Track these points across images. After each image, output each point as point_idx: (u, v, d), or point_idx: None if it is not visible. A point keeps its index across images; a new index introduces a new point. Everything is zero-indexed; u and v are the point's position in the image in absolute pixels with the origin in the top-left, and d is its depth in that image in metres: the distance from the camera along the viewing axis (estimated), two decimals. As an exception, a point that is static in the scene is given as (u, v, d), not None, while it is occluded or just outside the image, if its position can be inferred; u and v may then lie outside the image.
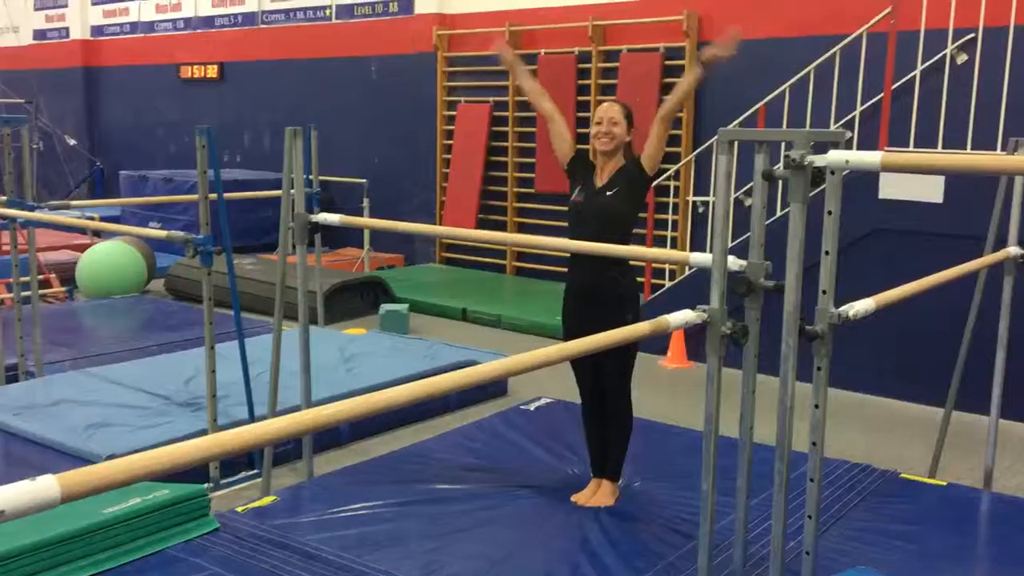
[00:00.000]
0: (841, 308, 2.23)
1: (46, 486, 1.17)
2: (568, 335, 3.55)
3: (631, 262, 3.57)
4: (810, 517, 2.32)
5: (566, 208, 3.62)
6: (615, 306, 3.46)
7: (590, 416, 3.71)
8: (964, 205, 5.03)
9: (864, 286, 2.64)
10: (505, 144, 9.03)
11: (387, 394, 1.61)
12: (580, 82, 8.42)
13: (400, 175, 9.82)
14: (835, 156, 2.11)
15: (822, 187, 2.17)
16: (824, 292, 2.20)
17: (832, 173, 2.14)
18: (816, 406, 2.27)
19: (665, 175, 7.62)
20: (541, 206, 8.59)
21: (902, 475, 3.92)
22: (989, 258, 3.49)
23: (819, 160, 2.11)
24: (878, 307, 2.38)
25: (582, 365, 3.68)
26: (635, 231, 3.61)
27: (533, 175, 8.78)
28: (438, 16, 9.39)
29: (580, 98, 8.41)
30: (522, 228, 8.90)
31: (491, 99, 9.08)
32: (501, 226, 9.08)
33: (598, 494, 3.63)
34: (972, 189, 4.94)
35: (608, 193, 3.48)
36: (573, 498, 3.63)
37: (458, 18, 9.38)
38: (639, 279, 3.77)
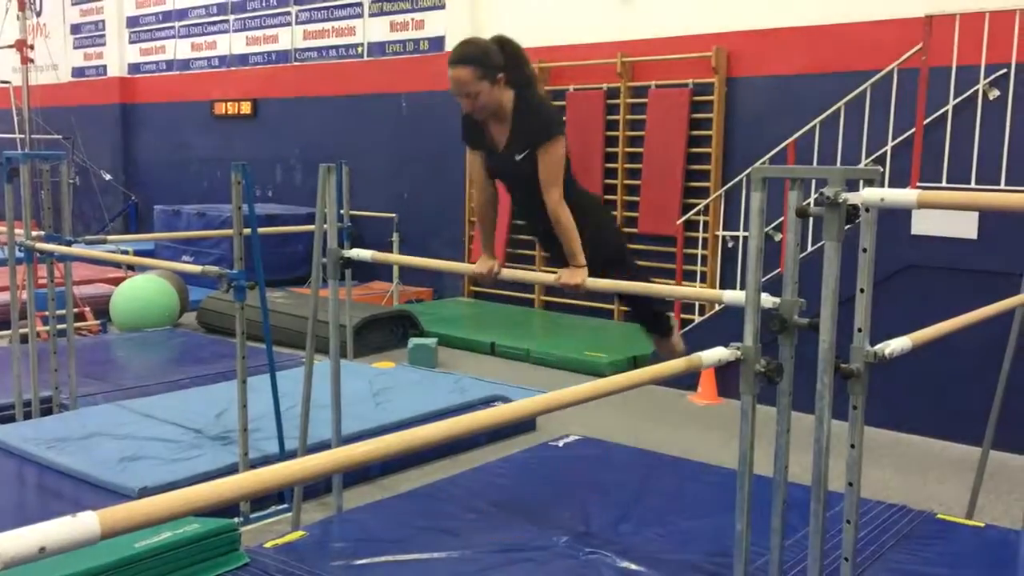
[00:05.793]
0: (877, 346, 2.21)
1: (86, 523, 1.18)
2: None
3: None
4: (846, 559, 2.28)
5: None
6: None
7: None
8: (999, 241, 4.97)
9: (897, 323, 2.61)
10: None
11: (422, 432, 1.61)
12: (608, 118, 8.45)
13: (429, 210, 9.89)
14: (870, 193, 2.10)
15: (854, 223, 2.16)
16: (859, 330, 2.18)
17: (867, 211, 2.13)
18: (852, 446, 2.24)
19: (694, 210, 7.61)
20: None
21: (938, 516, 3.85)
22: (1026, 295, 3.44)
23: (854, 197, 2.10)
24: (914, 345, 2.35)
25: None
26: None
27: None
28: (468, 53, 9.48)
29: (608, 133, 8.44)
30: (551, 263, 8.90)
31: (520, 135, 9.13)
32: (530, 260, 9.10)
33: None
34: (1007, 225, 4.89)
35: (517, 158, 3.14)
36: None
37: (488, 55, 9.47)
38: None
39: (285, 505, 4.10)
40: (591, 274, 3.27)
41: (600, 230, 3.42)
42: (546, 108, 3.25)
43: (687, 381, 6.11)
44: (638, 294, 3.47)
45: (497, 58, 3.08)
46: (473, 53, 3.04)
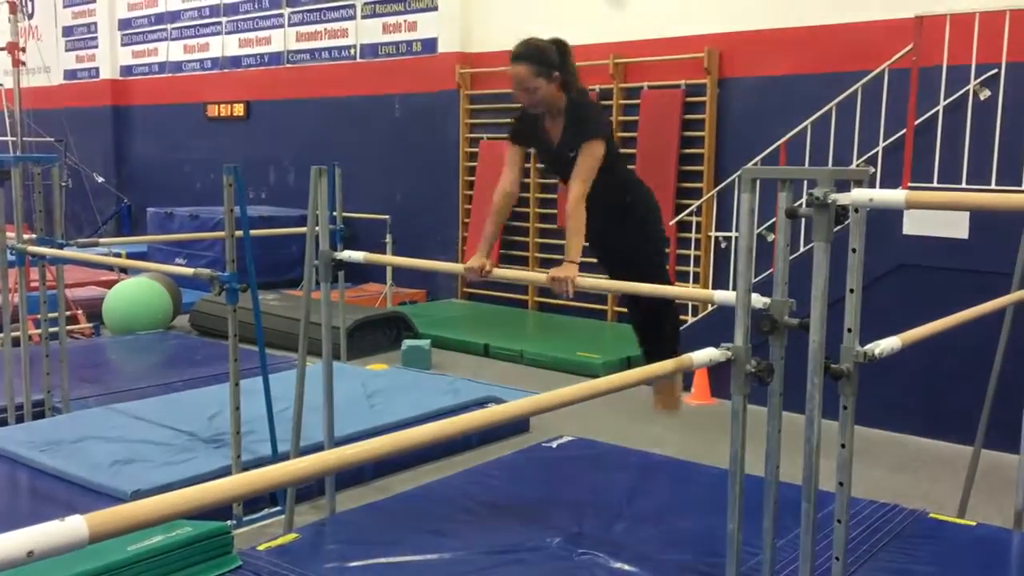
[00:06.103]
0: (867, 346, 2.21)
1: (74, 526, 1.18)
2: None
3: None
4: (837, 559, 2.29)
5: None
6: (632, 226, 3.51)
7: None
8: (990, 241, 4.99)
9: (889, 322, 2.62)
10: (527, 180, 9.07)
11: (413, 433, 1.61)
12: (601, 119, 8.45)
13: (422, 211, 9.89)
14: (859, 194, 2.10)
15: (845, 223, 2.16)
16: (849, 330, 2.19)
17: (856, 211, 2.13)
18: (843, 446, 2.25)
19: (687, 211, 7.62)
20: (563, 242, 8.60)
21: (930, 515, 3.86)
22: (1017, 294, 3.45)
23: (843, 198, 2.11)
24: (904, 345, 2.36)
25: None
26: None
27: (555, 211, 8.81)
28: (461, 55, 9.49)
29: (601, 135, 8.44)
30: (544, 264, 8.92)
31: (513, 136, 9.14)
32: (523, 261, 9.10)
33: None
34: (998, 225, 4.91)
35: (571, 155, 3.34)
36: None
37: (481, 56, 9.48)
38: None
39: (278, 508, 4.10)
40: (620, 268, 3.39)
41: (650, 227, 3.61)
42: (595, 110, 3.50)
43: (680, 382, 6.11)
44: (655, 311, 3.70)
45: (553, 57, 3.31)
46: (531, 51, 3.30)
